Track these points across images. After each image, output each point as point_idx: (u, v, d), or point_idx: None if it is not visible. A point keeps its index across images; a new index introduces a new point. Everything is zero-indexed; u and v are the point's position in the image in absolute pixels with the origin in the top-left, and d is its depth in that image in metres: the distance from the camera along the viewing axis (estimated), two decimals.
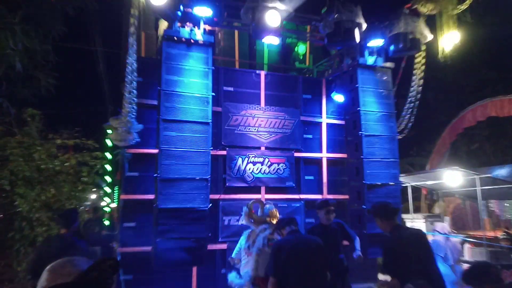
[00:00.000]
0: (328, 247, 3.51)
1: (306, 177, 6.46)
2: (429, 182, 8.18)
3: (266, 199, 5.99)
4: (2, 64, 5.36)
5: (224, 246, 5.64)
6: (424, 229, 8.17)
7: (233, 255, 4.36)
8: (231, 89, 6.16)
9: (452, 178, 6.98)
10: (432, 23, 6.21)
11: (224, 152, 5.93)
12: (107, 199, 10.21)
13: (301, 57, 7.82)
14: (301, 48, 7.73)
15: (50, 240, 4.39)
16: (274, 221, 4.13)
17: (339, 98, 6.62)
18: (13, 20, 5.20)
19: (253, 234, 4.14)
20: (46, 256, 3.80)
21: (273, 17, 5.05)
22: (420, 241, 3.16)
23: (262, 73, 6.43)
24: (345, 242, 4.52)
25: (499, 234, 7.08)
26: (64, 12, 5.75)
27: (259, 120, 6.18)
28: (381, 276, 3.28)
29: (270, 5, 4.99)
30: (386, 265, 3.18)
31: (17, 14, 5.27)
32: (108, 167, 9.03)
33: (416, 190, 9.77)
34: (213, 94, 5.36)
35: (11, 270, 6.96)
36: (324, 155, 6.58)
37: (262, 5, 5.00)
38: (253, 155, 6.05)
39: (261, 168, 6.07)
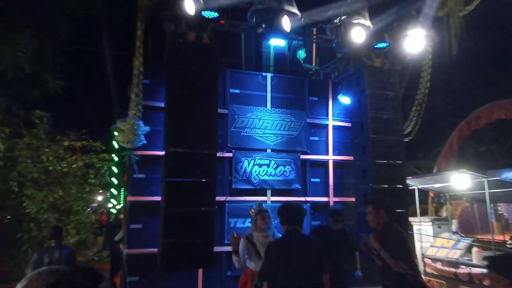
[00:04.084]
0: (329, 250, 3.42)
1: (312, 180, 6.44)
2: (436, 185, 8.09)
3: (272, 202, 5.99)
4: (12, 66, 5.44)
5: (230, 248, 5.63)
6: (431, 233, 8.12)
7: None
8: (237, 91, 6.18)
9: (460, 180, 6.90)
10: (440, 24, 6.18)
11: (230, 154, 5.94)
12: (113, 201, 10.26)
13: (302, 61, 7.79)
14: (302, 54, 7.69)
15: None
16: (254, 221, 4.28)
17: (345, 100, 6.60)
18: (24, 23, 5.28)
19: None
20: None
21: (281, 20, 5.06)
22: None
23: (268, 75, 6.44)
24: None
25: (508, 238, 6.99)
26: (73, 16, 5.83)
27: (265, 122, 6.18)
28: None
29: (279, 7, 4.99)
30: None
31: (27, 18, 5.35)
32: (115, 169, 9.08)
33: (423, 193, 9.67)
34: (220, 96, 5.38)
35: (19, 271, 7.03)
36: (331, 157, 6.56)
37: (271, 7, 5.01)
38: (259, 157, 6.06)
39: (267, 170, 6.07)
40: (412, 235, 8.11)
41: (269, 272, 3.08)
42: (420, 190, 8.53)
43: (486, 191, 6.36)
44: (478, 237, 7.42)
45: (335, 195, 6.44)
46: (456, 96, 14.57)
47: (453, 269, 6.43)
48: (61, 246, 4.54)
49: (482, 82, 14.12)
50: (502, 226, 7.85)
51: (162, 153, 5.19)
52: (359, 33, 5.50)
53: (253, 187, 5.97)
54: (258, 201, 4.93)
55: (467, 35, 5.86)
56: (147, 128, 5.21)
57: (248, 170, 5.97)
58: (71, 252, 4.61)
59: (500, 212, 8.47)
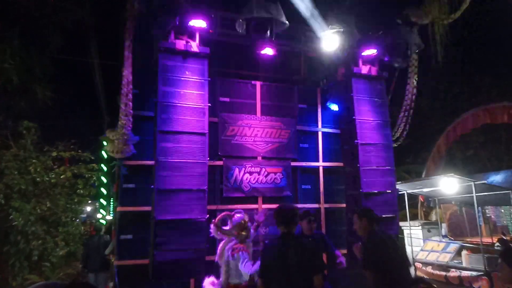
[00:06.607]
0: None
1: (303, 186, 6.47)
2: (426, 189, 8.20)
3: (263, 209, 5.98)
4: (0, 78, 5.39)
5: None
6: (421, 237, 8.20)
7: None
8: (227, 99, 6.20)
9: (448, 185, 7.02)
10: (425, 31, 6.33)
11: (221, 163, 5.94)
12: (103, 211, 10.14)
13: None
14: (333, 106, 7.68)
15: None
16: (243, 233, 4.16)
17: (334, 107, 6.68)
18: (12, 34, 5.24)
19: (221, 246, 4.25)
20: None
21: (268, 29, 5.12)
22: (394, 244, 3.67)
23: (258, 84, 6.48)
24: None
25: (496, 240, 7.09)
26: (61, 26, 5.82)
27: (256, 130, 6.20)
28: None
29: (265, 16, 5.05)
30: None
31: (15, 29, 5.32)
32: (104, 179, 8.99)
33: (413, 197, 9.79)
34: (209, 104, 5.39)
35: (6, 285, 6.88)
36: (321, 164, 6.60)
37: (257, 16, 5.07)
38: (250, 165, 6.06)
39: (258, 178, 6.08)
40: (403, 239, 8.17)
41: (264, 271, 3.21)
42: (410, 194, 8.63)
43: (474, 194, 6.46)
44: (467, 240, 7.52)
45: (325, 202, 6.47)
46: (443, 101, 14.83)
47: (443, 273, 6.50)
48: (100, 236, 6.98)
49: (468, 88, 14.40)
50: (490, 228, 7.98)
51: (152, 162, 5.17)
52: (347, 42, 5.58)
53: (244, 195, 5.96)
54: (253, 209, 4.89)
55: (453, 42, 6.00)
56: (137, 138, 5.19)
57: (239, 178, 5.97)
58: (107, 240, 6.93)
59: (488, 215, 8.60)
